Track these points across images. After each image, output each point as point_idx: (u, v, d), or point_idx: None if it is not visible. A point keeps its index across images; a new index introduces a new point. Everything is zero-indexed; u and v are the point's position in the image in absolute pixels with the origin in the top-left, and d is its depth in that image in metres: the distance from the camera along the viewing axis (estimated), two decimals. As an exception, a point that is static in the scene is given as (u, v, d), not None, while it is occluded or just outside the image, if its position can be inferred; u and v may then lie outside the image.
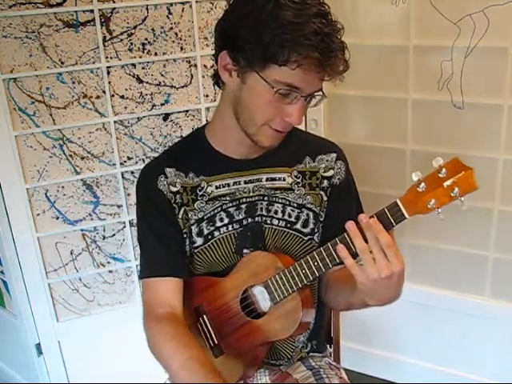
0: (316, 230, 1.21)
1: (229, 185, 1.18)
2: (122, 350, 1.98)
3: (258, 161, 1.18)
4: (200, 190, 1.18)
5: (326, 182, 1.20)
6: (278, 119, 1.05)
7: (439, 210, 0.96)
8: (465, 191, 0.94)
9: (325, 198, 1.21)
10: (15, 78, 1.69)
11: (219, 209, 1.18)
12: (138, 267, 1.27)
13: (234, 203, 1.18)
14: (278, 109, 1.03)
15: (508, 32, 1.61)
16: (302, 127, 1.98)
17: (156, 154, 1.85)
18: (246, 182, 1.18)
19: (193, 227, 1.19)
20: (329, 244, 1.05)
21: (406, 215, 0.98)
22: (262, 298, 1.16)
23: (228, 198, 1.18)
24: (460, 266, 1.93)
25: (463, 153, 1.77)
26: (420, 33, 1.74)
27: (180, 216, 1.19)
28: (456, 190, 0.93)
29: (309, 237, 1.20)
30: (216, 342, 1.22)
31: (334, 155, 1.22)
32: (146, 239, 1.22)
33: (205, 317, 1.22)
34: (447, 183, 0.94)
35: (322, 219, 1.22)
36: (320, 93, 1.06)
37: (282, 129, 1.07)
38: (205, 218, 1.18)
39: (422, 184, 0.96)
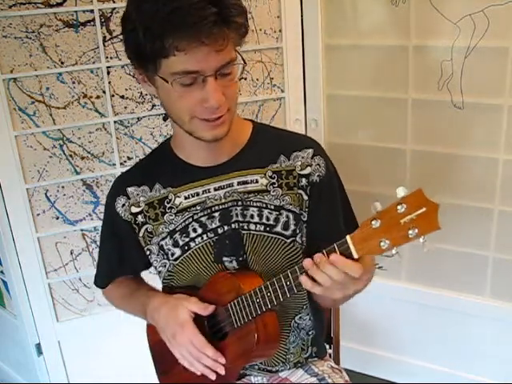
0: (298, 231, 1.16)
1: (198, 194, 1.14)
2: (122, 349, 1.98)
3: (227, 165, 1.14)
4: (168, 203, 1.15)
5: (304, 181, 1.14)
6: (200, 108, 0.98)
7: (395, 251, 0.85)
8: (424, 231, 0.82)
9: (305, 198, 1.14)
10: (15, 78, 1.69)
11: (190, 219, 1.15)
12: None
13: (206, 212, 1.14)
14: (194, 98, 0.97)
15: (508, 32, 1.61)
16: (302, 127, 1.98)
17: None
18: (216, 189, 1.14)
19: (166, 239, 1.17)
20: (288, 272, 0.99)
21: (355, 255, 0.88)
22: (226, 320, 1.12)
23: (199, 208, 1.14)
24: (460, 266, 1.93)
25: (463, 153, 1.79)
26: (420, 33, 1.74)
27: (141, 235, 1.18)
28: (415, 229, 0.81)
29: (291, 239, 1.15)
30: None
31: (311, 151, 1.15)
32: (100, 249, 1.33)
33: None
34: (404, 220, 0.82)
35: (304, 219, 1.16)
36: (232, 63, 0.98)
37: (209, 116, 1.00)
38: (177, 229, 1.16)
39: (378, 220, 0.85)
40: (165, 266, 1.19)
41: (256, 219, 1.14)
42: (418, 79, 1.80)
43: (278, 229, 1.15)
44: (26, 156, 1.77)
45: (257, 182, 1.14)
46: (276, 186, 1.14)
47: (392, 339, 2.15)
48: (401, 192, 0.83)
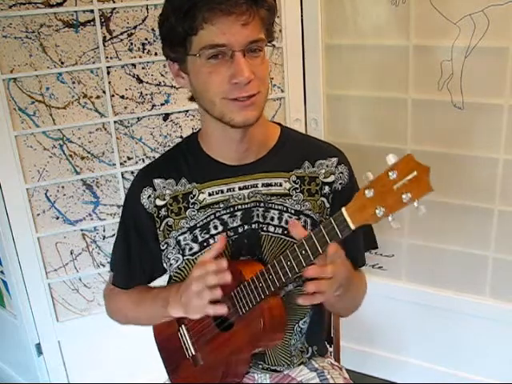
0: None
1: (222, 191, 1.15)
2: (122, 349, 1.98)
3: (254, 166, 1.15)
4: (192, 198, 1.16)
5: (327, 188, 1.16)
6: (230, 86, 0.99)
7: (391, 218, 0.84)
8: (417, 195, 0.81)
9: (327, 205, 1.16)
10: (15, 78, 1.69)
11: (212, 216, 1.15)
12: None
13: (228, 210, 1.15)
14: (223, 75, 0.99)
15: (508, 32, 1.61)
16: (302, 127, 1.99)
17: (156, 154, 1.86)
18: (240, 189, 1.15)
19: (186, 235, 1.16)
20: (288, 251, 0.98)
21: (352, 226, 0.88)
22: (230, 309, 1.10)
23: (222, 206, 1.15)
24: (460, 266, 1.93)
25: (463, 153, 1.78)
26: (420, 33, 1.74)
27: (161, 229, 1.17)
28: (408, 194, 0.81)
29: None
30: (193, 352, 1.20)
31: (335, 159, 1.17)
32: (118, 247, 1.26)
33: (183, 326, 1.21)
34: (397, 186, 0.82)
35: None
36: (260, 43, 1.00)
37: (239, 94, 1.00)
38: (197, 225, 1.16)
39: (371, 189, 0.85)
40: (177, 260, 1.18)
41: (276, 222, 1.15)
42: (418, 79, 1.79)
43: None
44: (26, 156, 1.77)
45: (280, 185, 1.15)
46: (298, 191, 1.16)
47: (392, 339, 2.15)
48: (391, 159, 0.83)
